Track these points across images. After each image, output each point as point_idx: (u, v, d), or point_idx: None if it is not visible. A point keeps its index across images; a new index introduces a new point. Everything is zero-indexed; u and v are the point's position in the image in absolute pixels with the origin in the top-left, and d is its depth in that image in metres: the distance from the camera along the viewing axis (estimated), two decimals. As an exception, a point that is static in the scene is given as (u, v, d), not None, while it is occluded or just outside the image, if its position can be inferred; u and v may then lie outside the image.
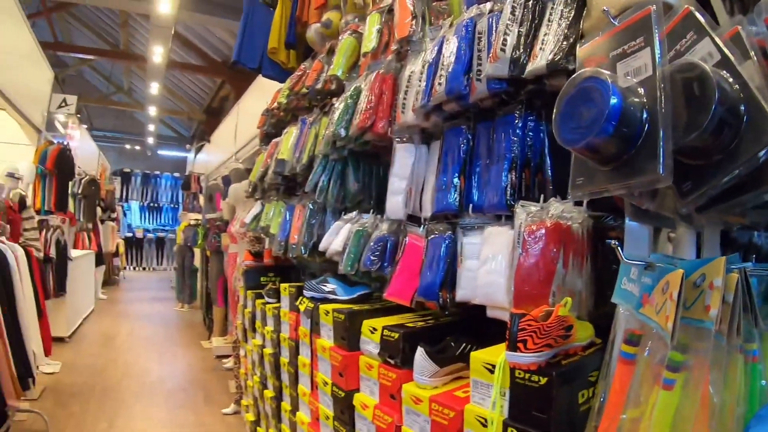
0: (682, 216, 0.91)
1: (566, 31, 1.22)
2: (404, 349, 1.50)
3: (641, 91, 0.82)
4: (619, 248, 0.94)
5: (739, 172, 0.73)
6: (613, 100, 0.79)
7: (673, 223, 1.02)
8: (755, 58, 0.75)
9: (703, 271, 0.77)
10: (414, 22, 1.91)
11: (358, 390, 1.69)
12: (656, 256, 0.96)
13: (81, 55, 12.44)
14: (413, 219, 1.69)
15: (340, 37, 2.51)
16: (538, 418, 1.03)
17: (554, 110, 0.90)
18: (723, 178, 0.75)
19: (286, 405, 2.46)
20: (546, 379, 1.02)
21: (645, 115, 0.80)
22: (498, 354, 1.16)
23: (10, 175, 4.91)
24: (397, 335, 1.52)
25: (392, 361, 1.54)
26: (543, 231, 1.18)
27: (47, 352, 4.28)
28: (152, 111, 12.52)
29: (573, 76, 0.89)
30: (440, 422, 1.28)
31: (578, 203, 1.19)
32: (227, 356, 5.38)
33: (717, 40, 0.78)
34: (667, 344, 0.76)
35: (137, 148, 17.37)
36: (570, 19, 1.23)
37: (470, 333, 1.53)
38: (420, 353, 1.40)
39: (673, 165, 0.76)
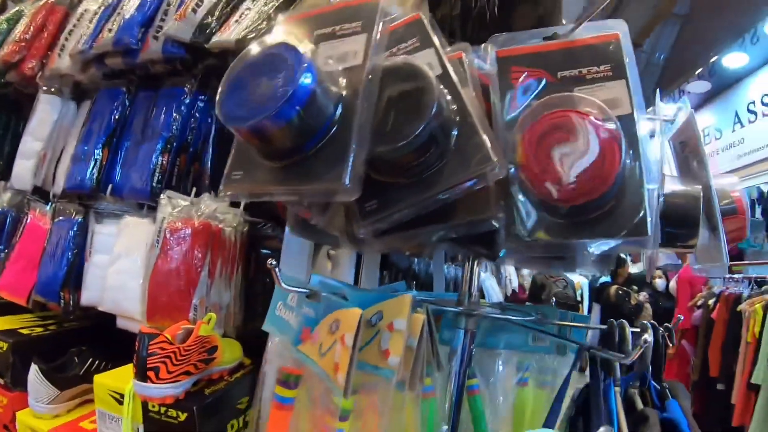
0: (354, 238, 0.75)
1: (271, 12, 1.08)
2: (15, 363, 1.18)
3: (342, 81, 0.65)
4: (277, 270, 0.73)
5: (435, 198, 0.64)
6: (305, 79, 0.60)
7: (336, 241, 0.92)
8: (472, 87, 0.70)
9: (380, 308, 0.67)
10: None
11: (-32, 416, 1.30)
12: (319, 279, 0.83)
13: None
14: (44, 194, 1.34)
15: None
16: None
17: (225, 75, 0.66)
18: (416, 202, 0.64)
19: None
20: (186, 414, 0.87)
21: (339, 110, 0.63)
22: (128, 378, 0.93)
23: None
24: (6, 345, 1.19)
25: (1, 381, 1.21)
26: (189, 231, 1.00)
27: None
28: None
29: (262, 39, 0.69)
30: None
31: (235, 204, 1.03)
32: None
33: (442, 53, 0.70)
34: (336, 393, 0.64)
35: None
36: (281, 1, 1.09)
37: (104, 343, 1.24)
38: (34, 372, 1.10)
39: (362, 177, 0.62)
